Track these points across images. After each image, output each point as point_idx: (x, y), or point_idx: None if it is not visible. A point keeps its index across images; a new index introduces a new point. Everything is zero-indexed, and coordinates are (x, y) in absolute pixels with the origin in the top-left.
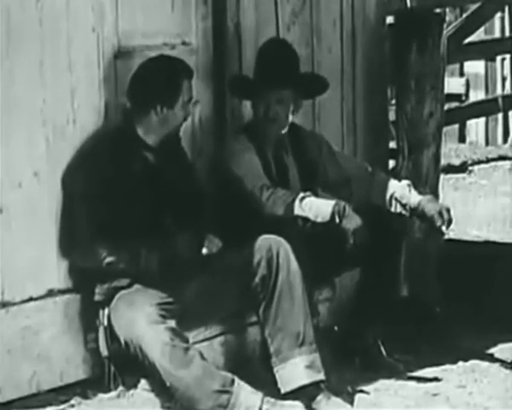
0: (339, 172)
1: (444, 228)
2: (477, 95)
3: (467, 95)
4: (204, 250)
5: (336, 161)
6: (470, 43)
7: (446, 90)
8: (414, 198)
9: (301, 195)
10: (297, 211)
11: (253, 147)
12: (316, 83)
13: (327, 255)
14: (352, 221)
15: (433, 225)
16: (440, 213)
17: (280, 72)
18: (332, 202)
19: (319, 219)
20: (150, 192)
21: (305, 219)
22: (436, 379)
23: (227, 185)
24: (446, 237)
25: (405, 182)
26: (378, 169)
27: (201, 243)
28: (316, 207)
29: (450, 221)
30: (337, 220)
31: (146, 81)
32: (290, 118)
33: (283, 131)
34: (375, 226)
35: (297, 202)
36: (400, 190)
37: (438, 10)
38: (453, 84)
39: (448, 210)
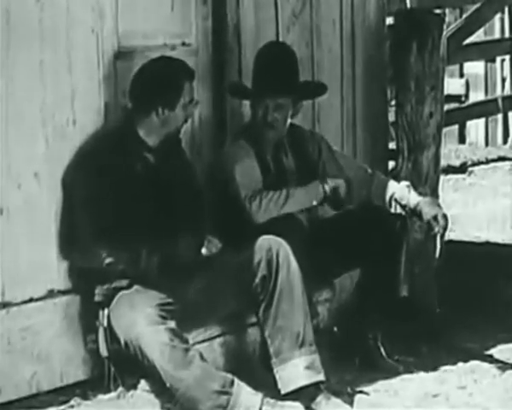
0: (338, 172)
1: (437, 234)
2: (477, 96)
3: (466, 96)
4: (204, 251)
5: (336, 161)
6: (470, 44)
7: (446, 91)
8: (413, 199)
9: (290, 191)
10: (291, 209)
11: (252, 150)
12: (314, 88)
13: (326, 256)
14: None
15: (429, 229)
16: (436, 219)
17: (278, 80)
18: (313, 184)
19: (315, 203)
20: (150, 193)
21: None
22: (436, 380)
23: (225, 187)
24: (446, 238)
25: (405, 183)
26: (377, 170)
27: (201, 243)
28: (304, 195)
29: (445, 228)
30: (328, 192)
31: (147, 82)
32: (289, 121)
33: (282, 135)
34: (375, 226)
35: (290, 200)
36: (400, 191)
37: (437, 11)
38: (453, 85)
39: (444, 216)
